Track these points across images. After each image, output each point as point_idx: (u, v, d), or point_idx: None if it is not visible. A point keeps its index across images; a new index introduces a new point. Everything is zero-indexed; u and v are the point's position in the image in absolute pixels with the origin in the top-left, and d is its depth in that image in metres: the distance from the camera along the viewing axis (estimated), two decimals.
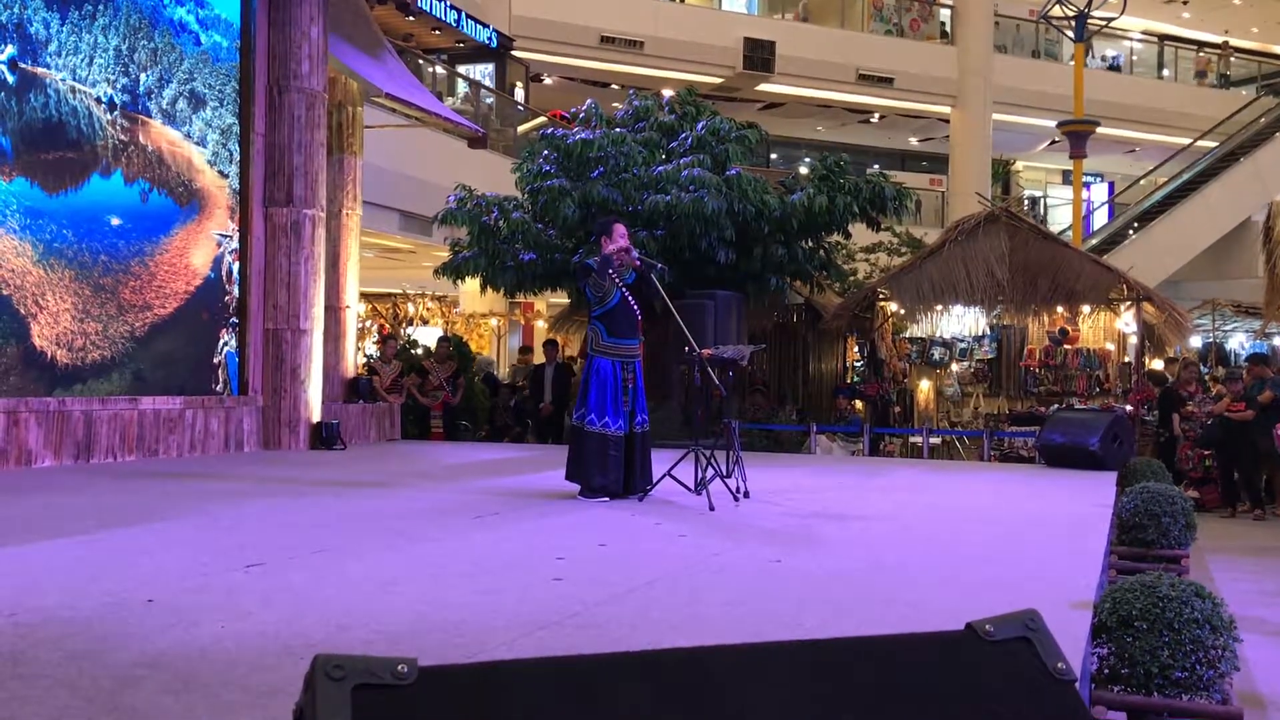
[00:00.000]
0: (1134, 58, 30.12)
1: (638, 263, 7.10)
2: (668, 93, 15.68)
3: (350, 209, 12.70)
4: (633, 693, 1.12)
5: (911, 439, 14.32)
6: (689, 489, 7.05)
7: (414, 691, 1.04)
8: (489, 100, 21.42)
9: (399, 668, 1.04)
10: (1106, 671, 3.75)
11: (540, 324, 20.60)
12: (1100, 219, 28.18)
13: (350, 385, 12.60)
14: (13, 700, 2.62)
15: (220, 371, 10.67)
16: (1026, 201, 30.12)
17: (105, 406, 9.24)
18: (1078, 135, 21.03)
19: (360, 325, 15.25)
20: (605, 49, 22.88)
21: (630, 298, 7.11)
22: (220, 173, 10.75)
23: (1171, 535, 6.63)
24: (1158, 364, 15.73)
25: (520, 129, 20.83)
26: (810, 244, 14.18)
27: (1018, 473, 10.78)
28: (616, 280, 7.07)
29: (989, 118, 25.65)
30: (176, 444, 9.91)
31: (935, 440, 14.17)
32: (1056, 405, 13.66)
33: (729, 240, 12.83)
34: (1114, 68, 29.52)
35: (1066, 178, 28.20)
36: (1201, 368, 16.82)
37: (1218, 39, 30.84)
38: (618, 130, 13.37)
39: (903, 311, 14.77)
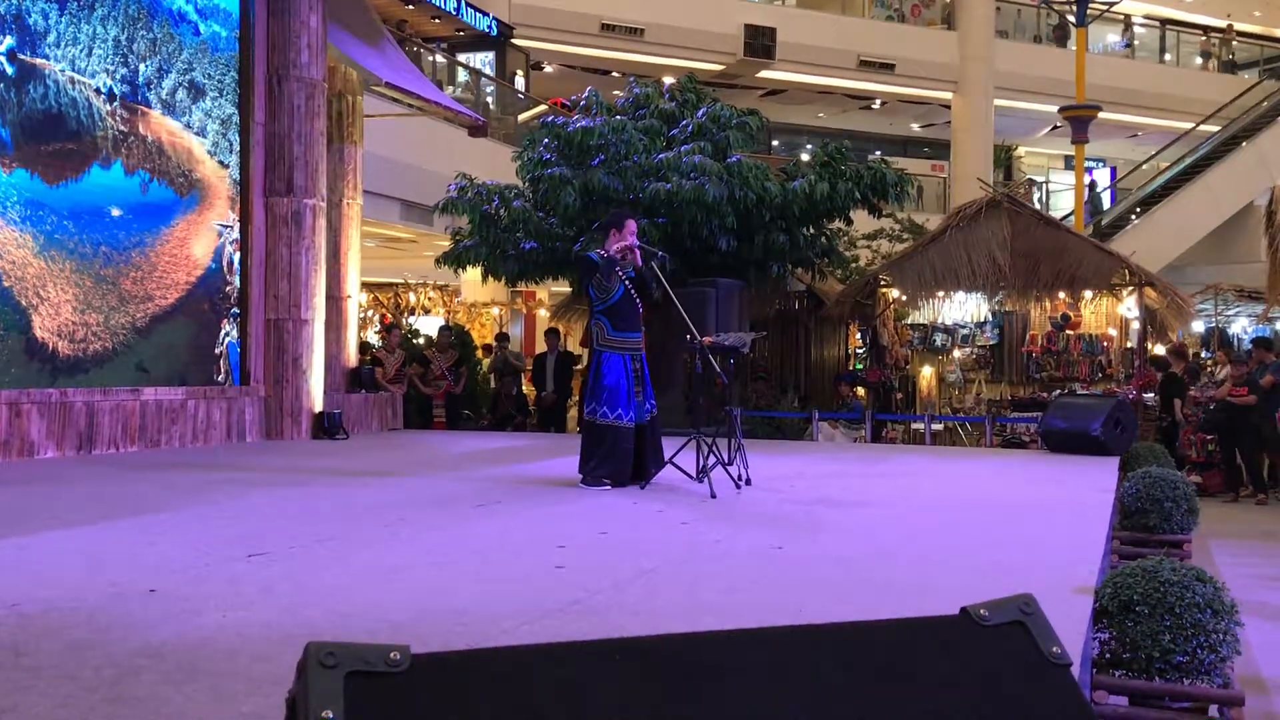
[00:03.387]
0: (1136, 42, 30.04)
1: (640, 263, 7.08)
2: (668, 80, 15.64)
3: (351, 198, 12.68)
4: (629, 679, 1.12)
5: (914, 425, 14.31)
6: (691, 476, 7.06)
7: (407, 679, 1.04)
8: (489, 89, 21.38)
9: (392, 655, 1.04)
10: (1108, 656, 3.76)
11: (542, 313, 20.59)
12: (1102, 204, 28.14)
13: (352, 375, 12.60)
14: (16, 690, 2.62)
15: (222, 362, 10.67)
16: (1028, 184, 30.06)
17: (107, 397, 9.25)
18: (1079, 120, 20.98)
19: (362, 315, 15.25)
20: (606, 36, 22.82)
21: (633, 290, 7.11)
22: (220, 163, 10.74)
23: (1174, 520, 6.62)
24: (1160, 349, 15.71)
25: (521, 117, 20.79)
26: (812, 231, 14.16)
27: (1020, 459, 10.78)
28: (619, 274, 7.07)
29: (990, 103, 25.58)
30: (179, 434, 9.91)
31: (937, 427, 14.16)
32: (1059, 391, 13.66)
33: (730, 228, 12.81)
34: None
35: (1068, 163, 28.14)
36: (1203, 353, 16.82)
37: (1221, 23, 30.74)
38: (618, 118, 13.34)
39: (905, 298, 14.76)
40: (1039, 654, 1.17)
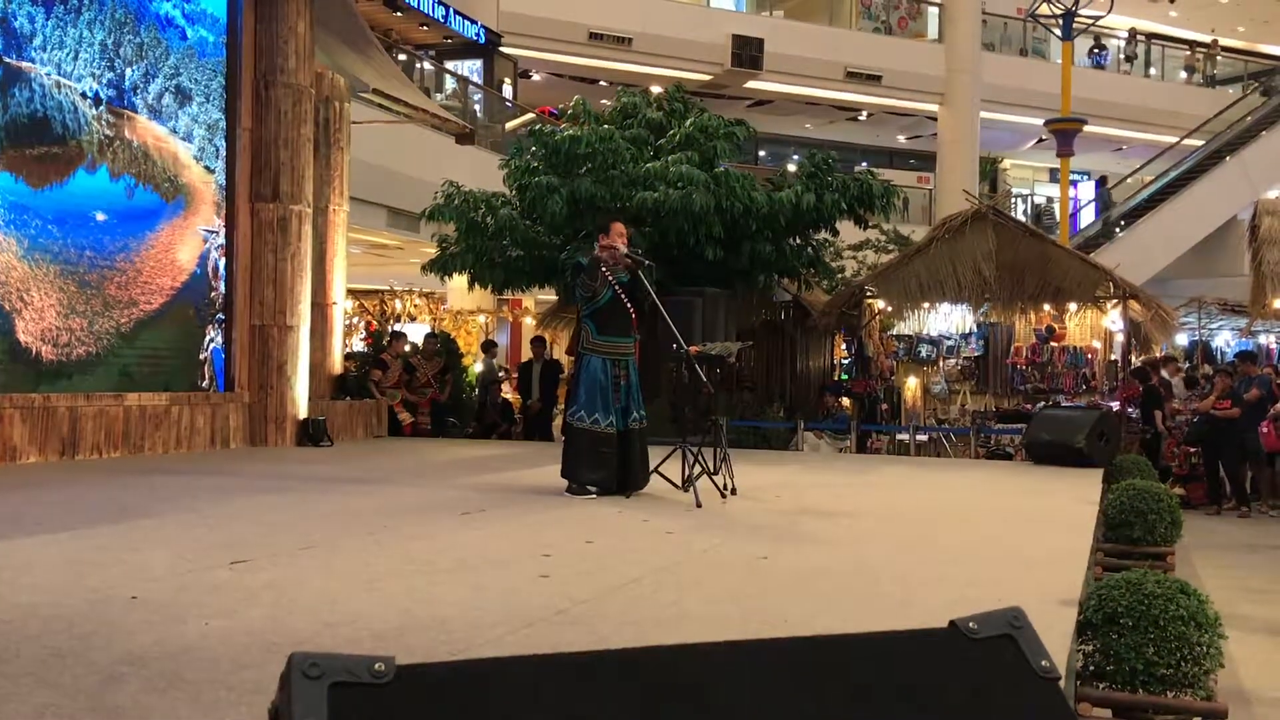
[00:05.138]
0: (1121, 55, 30.20)
1: (629, 261, 7.08)
2: (656, 89, 15.66)
3: (337, 205, 12.65)
4: (614, 690, 1.11)
5: (899, 436, 14.34)
6: (676, 486, 7.05)
7: (391, 690, 1.03)
8: (477, 96, 21.39)
9: (376, 666, 1.03)
10: (1092, 669, 3.76)
11: (528, 321, 20.57)
12: (1087, 217, 28.26)
13: (337, 381, 12.56)
14: None
15: (206, 367, 10.63)
16: (1014, 199, 30.18)
17: (91, 403, 9.20)
18: (1065, 133, 21.07)
19: (347, 322, 15.20)
20: (593, 45, 22.85)
21: (623, 295, 7.10)
22: (206, 168, 10.71)
23: (1157, 532, 6.64)
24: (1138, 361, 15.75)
25: (508, 125, 20.81)
26: (798, 241, 14.19)
27: (1004, 470, 10.80)
28: (610, 279, 7.06)
29: (977, 115, 25.68)
30: (162, 440, 9.87)
31: (922, 437, 14.18)
32: (1043, 403, 13.70)
33: (717, 237, 12.82)
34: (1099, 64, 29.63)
35: (1054, 176, 28.27)
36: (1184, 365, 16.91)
37: (1205, 38, 30.93)
38: (606, 127, 13.35)
39: (890, 309, 14.79)
40: (1028, 668, 1.17)
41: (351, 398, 12.55)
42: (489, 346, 16.93)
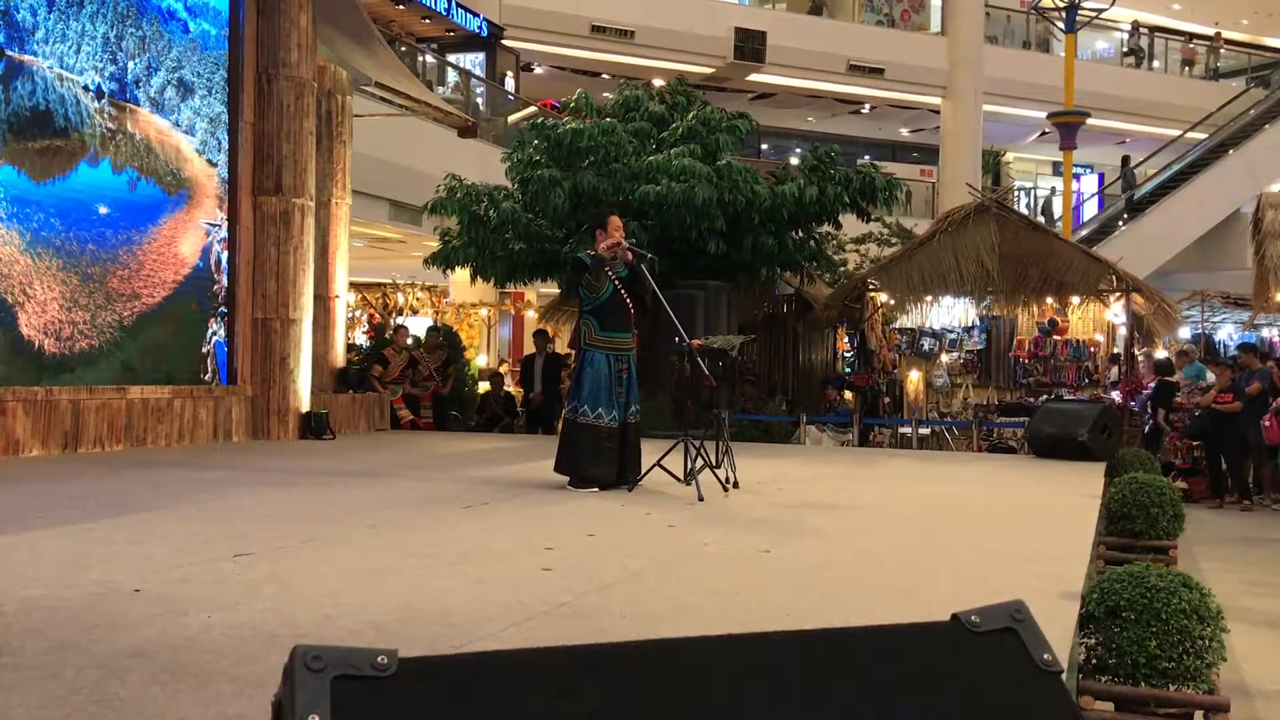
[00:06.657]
0: (1124, 48, 30.16)
1: (630, 257, 7.08)
2: (658, 82, 15.64)
3: (339, 198, 12.64)
4: (617, 683, 1.11)
5: (901, 430, 14.32)
6: (678, 479, 7.05)
7: (394, 683, 1.03)
8: (479, 89, 21.36)
9: (379, 659, 1.03)
10: (1094, 662, 3.76)
11: (530, 314, 20.56)
12: (1090, 210, 28.23)
13: (340, 375, 12.57)
14: None
15: (209, 361, 10.63)
16: (1018, 192, 30.14)
17: (93, 396, 9.20)
18: (1068, 126, 21.04)
19: (350, 315, 15.20)
20: (596, 38, 22.84)
21: (623, 290, 7.10)
22: (209, 161, 10.70)
23: (1159, 526, 6.64)
24: (1161, 353, 15.72)
25: (510, 118, 20.78)
26: (800, 235, 14.18)
27: (1006, 463, 10.80)
28: (610, 274, 7.06)
29: (979, 109, 25.66)
30: (165, 433, 9.87)
31: (924, 431, 14.17)
32: (1045, 396, 13.69)
33: (719, 230, 12.81)
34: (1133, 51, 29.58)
35: (1057, 169, 28.24)
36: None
37: (1209, 30, 30.88)
38: (608, 120, 13.34)
39: (892, 302, 14.77)
40: (1030, 661, 1.17)
41: (354, 391, 12.55)
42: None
